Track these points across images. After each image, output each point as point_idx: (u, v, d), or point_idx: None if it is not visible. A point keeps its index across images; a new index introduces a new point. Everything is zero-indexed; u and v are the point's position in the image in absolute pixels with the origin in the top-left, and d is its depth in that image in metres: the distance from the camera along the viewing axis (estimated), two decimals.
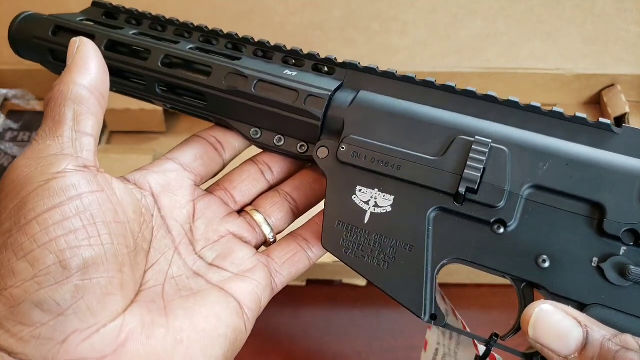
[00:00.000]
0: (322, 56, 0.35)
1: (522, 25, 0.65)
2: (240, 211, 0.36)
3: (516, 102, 0.31)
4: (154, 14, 0.39)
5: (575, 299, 0.28)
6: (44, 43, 0.38)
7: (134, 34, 0.37)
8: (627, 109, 0.62)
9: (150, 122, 0.65)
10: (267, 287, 0.33)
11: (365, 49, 0.65)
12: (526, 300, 0.29)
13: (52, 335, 0.24)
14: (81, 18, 0.39)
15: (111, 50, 0.36)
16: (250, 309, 0.31)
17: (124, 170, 0.58)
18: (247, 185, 0.36)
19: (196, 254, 0.33)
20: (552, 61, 0.63)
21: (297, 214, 0.37)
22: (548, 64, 0.63)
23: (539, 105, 0.31)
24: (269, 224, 0.35)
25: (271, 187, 0.37)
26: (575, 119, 0.30)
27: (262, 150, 0.37)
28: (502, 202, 0.29)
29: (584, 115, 0.30)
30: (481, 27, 0.65)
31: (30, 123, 0.67)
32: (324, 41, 0.65)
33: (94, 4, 0.41)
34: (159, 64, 0.35)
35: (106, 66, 0.31)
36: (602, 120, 0.30)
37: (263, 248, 0.36)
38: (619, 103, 0.63)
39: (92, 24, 0.38)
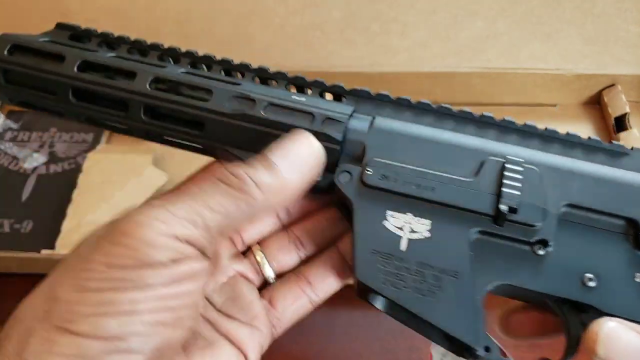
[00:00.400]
0: (329, 83, 0.34)
1: (522, 25, 0.65)
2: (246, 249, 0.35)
3: (534, 127, 0.32)
4: (132, 38, 0.35)
5: (626, 316, 0.27)
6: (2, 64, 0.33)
7: (111, 56, 0.33)
8: (628, 109, 0.62)
9: None
10: (269, 335, 0.33)
11: (365, 50, 0.65)
12: (570, 323, 0.29)
13: None
14: (44, 39, 0.34)
15: (85, 71, 0.32)
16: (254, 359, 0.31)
17: (124, 170, 0.59)
18: (257, 225, 0.35)
19: (205, 297, 0.32)
20: (552, 61, 0.63)
21: (303, 260, 0.35)
22: (548, 64, 0.63)
23: (556, 130, 0.32)
24: (271, 266, 0.34)
25: (283, 226, 0.36)
26: (590, 142, 0.31)
27: None
28: (541, 222, 0.29)
29: (598, 138, 0.31)
30: (481, 27, 0.65)
31: (29, 123, 0.67)
32: (323, 42, 0.65)
33: (58, 26, 0.36)
34: (147, 86, 0.31)
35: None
36: (615, 142, 0.31)
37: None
38: (619, 103, 0.63)
39: (58, 44, 0.34)
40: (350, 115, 0.32)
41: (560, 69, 0.64)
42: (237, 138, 0.31)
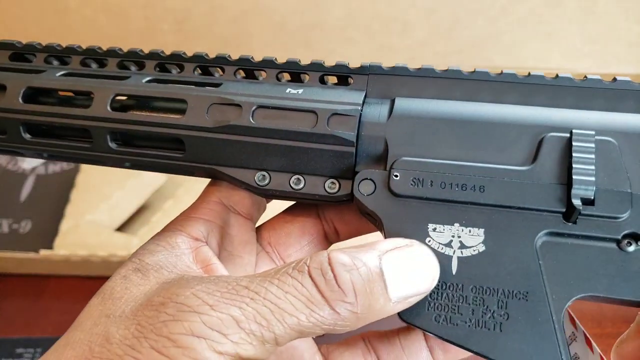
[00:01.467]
0: (330, 63, 0.27)
1: (523, 25, 0.65)
2: None
3: (598, 80, 0.25)
4: (84, 46, 0.29)
5: None
6: None
7: (61, 75, 0.27)
8: None
9: None
10: None
11: (365, 49, 0.65)
12: None
13: None
14: None
15: (33, 101, 0.27)
16: None
17: (122, 170, 0.58)
18: (305, 254, 0.28)
19: None
20: (553, 60, 0.63)
21: None
22: (549, 63, 0.63)
23: (628, 79, 0.25)
24: None
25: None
26: None
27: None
28: (628, 210, 0.22)
29: None
30: (482, 27, 0.65)
31: None
32: (324, 41, 0.65)
33: None
34: (108, 108, 0.26)
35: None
36: None
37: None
38: None
39: None
40: (363, 104, 0.25)
41: (562, 68, 0.63)
42: (227, 155, 0.26)
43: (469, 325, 0.22)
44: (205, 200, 0.27)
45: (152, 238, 0.26)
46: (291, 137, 0.25)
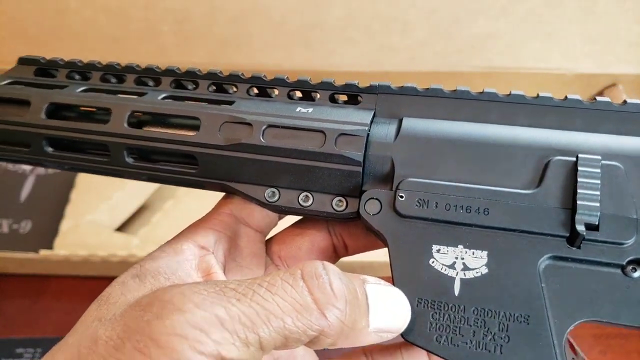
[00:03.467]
0: (340, 83, 0.28)
1: (523, 25, 0.65)
2: None
3: (608, 102, 0.25)
4: (104, 62, 0.30)
5: None
6: None
7: (82, 91, 0.29)
8: None
9: None
10: None
11: (365, 49, 0.65)
12: None
13: None
14: (6, 82, 0.30)
15: (56, 117, 0.28)
16: None
17: None
18: None
19: None
20: (553, 61, 0.63)
21: None
22: (549, 63, 0.63)
23: (638, 101, 0.24)
24: None
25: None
26: None
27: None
28: (633, 236, 0.22)
29: None
30: (482, 27, 0.65)
31: None
32: (324, 41, 0.65)
33: (20, 61, 0.32)
34: (125, 125, 0.27)
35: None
36: None
37: None
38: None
39: (21, 87, 0.29)
40: (371, 123, 0.26)
41: (562, 68, 0.63)
42: (238, 171, 0.26)
43: (470, 347, 0.23)
44: (217, 212, 0.28)
45: (160, 246, 0.26)
46: (300, 156, 0.25)
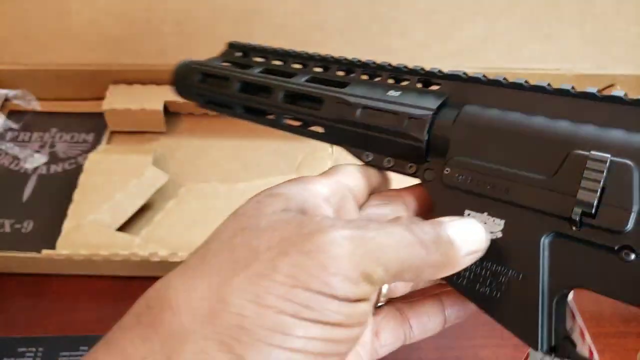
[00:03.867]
0: (426, 69, 0.34)
1: (521, 26, 0.65)
2: None
3: None
4: (283, 49, 0.42)
5: None
6: (196, 89, 0.43)
7: (259, 71, 0.40)
8: None
9: (151, 122, 0.65)
10: None
11: (365, 51, 0.65)
12: None
13: None
14: (220, 61, 0.44)
15: (244, 91, 0.40)
16: None
17: (124, 171, 0.59)
18: None
19: None
20: (552, 62, 0.64)
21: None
22: (548, 64, 0.63)
23: None
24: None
25: None
26: None
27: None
28: (628, 226, 0.25)
29: None
30: (481, 28, 0.65)
31: (30, 123, 0.67)
32: (323, 43, 0.65)
33: (230, 45, 0.45)
34: (280, 101, 0.38)
35: None
36: None
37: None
38: None
39: (228, 65, 0.43)
40: (437, 109, 0.32)
41: (560, 69, 0.64)
42: (346, 138, 0.35)
43: (479, 288, 0.29)
44: (328, 179, 0.31)
45: (284, 181, 0.29)
46: (381, 131, 0.33)
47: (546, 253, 0.27)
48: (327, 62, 0.39)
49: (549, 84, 0.30)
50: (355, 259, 0.21)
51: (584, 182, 0.26)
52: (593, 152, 0.26)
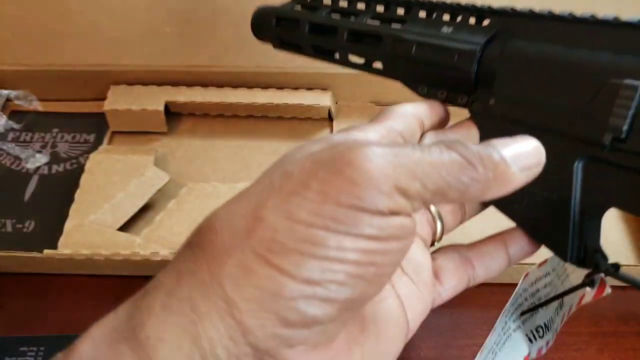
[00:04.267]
0: (477, 6, 0.36)
1: None
2: None
3: None
4: None
5: None
6: (271, 32, 0.46)
7: (326, 12, 0.42)
8: None
9: (152, 122, 0.65)
10: (428, 307, 0.31)
11: None
12: None
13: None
14: (292, 5, 0.46)
15: (313, 32, 0.42)
16: (408, 338, 0.29)
17: (126, 171, 0.59)
18: None
19: None
20: None
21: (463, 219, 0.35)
22: None
23: None
24: (441, 219, 0.33)
25: None
26: None
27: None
28: None
29: None
30: None
31: (32, 124, 0.67)
32: None
33: None
34: (344, 39, 0.40)
35: None
36: None
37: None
38: None
39: (299, 8, 0.45)
40: (485, 43, 0.33)
41: None
42: (403, 73, 0.38)
43: (516, 206, 0.31)
44: (386, 121, 0.31)
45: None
46: (434, 65, 0.35)
47: (580, 175, 0.29)
48: (388, 2, 0.40)
49: (592, 16, 0.30)
50: (387, 172, 0.21)
51: (615, 108, 0.27)
52: (627, 81, 0.27)
